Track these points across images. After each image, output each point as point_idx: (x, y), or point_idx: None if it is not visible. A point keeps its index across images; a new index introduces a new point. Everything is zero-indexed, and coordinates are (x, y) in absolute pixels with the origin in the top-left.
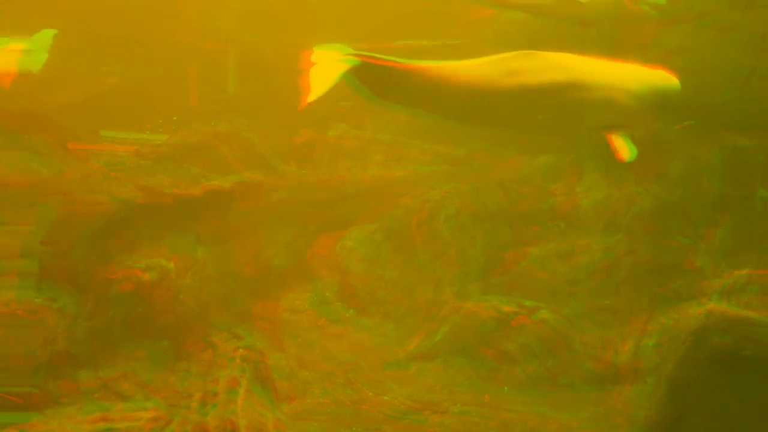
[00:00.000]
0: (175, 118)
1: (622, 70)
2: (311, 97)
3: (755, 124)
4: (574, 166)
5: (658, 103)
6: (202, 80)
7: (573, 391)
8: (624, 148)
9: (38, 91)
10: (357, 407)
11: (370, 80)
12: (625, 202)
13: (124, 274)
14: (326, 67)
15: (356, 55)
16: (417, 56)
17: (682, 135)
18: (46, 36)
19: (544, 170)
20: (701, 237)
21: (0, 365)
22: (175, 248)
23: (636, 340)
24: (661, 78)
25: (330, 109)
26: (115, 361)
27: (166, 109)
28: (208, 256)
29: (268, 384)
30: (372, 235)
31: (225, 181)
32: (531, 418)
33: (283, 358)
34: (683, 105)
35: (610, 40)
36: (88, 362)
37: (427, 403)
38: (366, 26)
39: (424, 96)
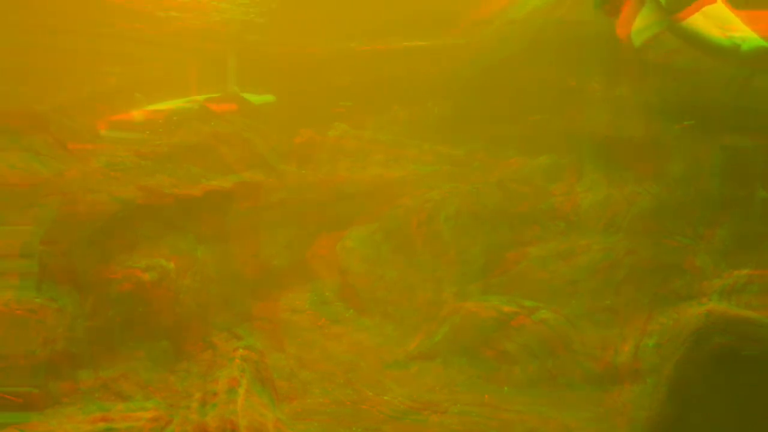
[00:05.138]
0: (174, 118)
1: None
2: None
3: (755, 124)
4: (574, 166)
5: None
6: (202, 80)
7: (573, 391)
8: None
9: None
10: (357, 407)
11: None
12: (625, 202)
13: (124, 274)
14: None
15: None
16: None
17: (682, 135)
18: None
19: (544, 170)
20: (701, 237)
21: (0, 365)
22: (175, 248)
23: (636, 340)
24: None
25: (330, 109)
26: (115, 361)
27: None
28: (208, 256)
29: (268, 384)
30: (372, 235)
31: (225, 181)
32: (531, 418)
33: (283, 358)
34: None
35: (610, 40)
36: (88, 362)
37: (427, 403)
38: (366, 26)
39: None
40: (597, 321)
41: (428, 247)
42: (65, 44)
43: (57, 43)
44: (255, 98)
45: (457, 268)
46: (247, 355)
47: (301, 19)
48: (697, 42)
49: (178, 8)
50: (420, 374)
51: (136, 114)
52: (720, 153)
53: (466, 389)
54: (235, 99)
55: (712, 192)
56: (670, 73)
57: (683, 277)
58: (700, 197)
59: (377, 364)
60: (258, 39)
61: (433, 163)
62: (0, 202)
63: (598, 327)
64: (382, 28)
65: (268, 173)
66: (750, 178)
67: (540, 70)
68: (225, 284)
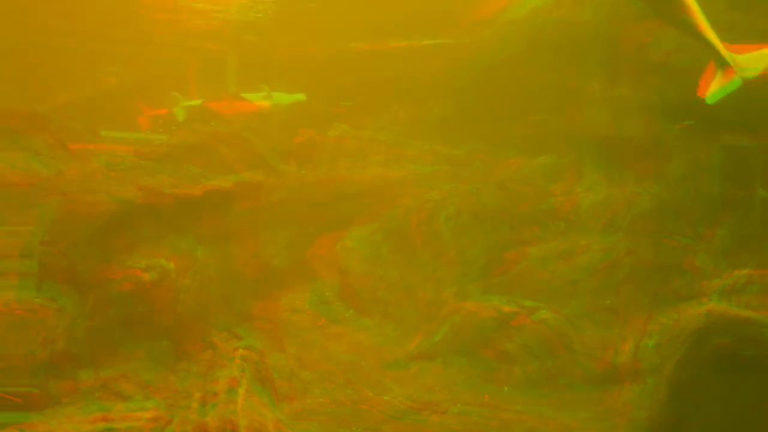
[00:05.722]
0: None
1: None
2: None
3: (755, 124)
4: (574, 166)
5: None
6: (202, 80)
7: (573, 391)
8: None
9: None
10: (357, 407)
11: None
12: (625, 202)
13: (124, 274)
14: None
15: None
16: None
17: (682, 135)
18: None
19: (544, 170)
20: (701, 237)
21: (0, 365)
22: (175, 248)
23: (636, 340)
24: None
25: (330, 109)
26: (115, 361)
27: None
28: (208, 256)
29: (268, 384)
30: (372, 235)
31: (225, 181)
32: (531, 418)
33: (283, 358)
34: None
35: (609, 40)
36: (88, 362)
37: (427, 403)
38: (366, 26)
39: None
40: (597, 321)
41: (428, 247)
42: (65, 44)
43: (57, 43)
44: (286, 97)
45: (457, 268)
46: (247, 355)
47: (301, 19)
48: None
49: (179, 9)
50: (420, 374)
51: (178, 111)
52: (720, 153)
53: (466, 389)
54: (269, 98)
55: (712, 192)
56: (670, 73)
57: (683, 277)
58: (700, 197)
59: (377, 364)
60: (258, 39)
61: (433, 163)
62: (0, 202)
63: (598, 327)
64: (382, 28)
65: (268, 173)
66: (750, 178)
67: (540, 70)
68: (225, 284)
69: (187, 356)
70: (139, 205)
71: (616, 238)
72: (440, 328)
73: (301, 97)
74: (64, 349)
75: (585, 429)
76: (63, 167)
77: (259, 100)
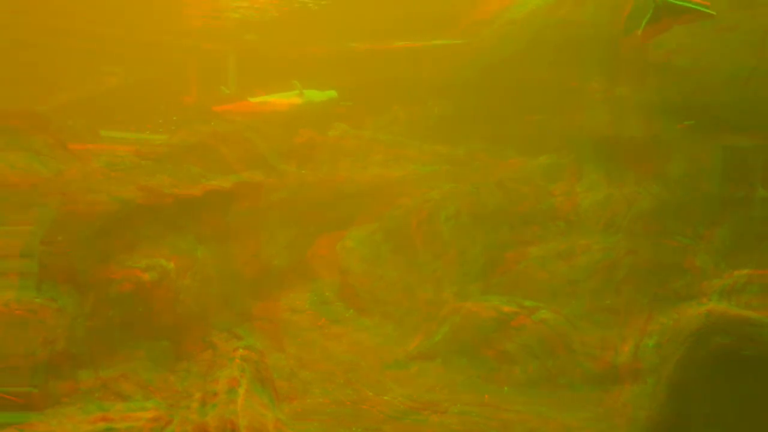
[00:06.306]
0: (175, 118)
1: None
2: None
3: (755, 124)
4: (574, 166)
5: None
6: (202, 80)
7: (573, 391)
8: None
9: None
10: (357, 407)
11: None
12: (625, 202)
13: (124, 274)
14: None
15: None
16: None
17: (682, 135)
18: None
19: (544, 170)
20: (701, 237)
21: (0, 365)
22: (175, 248)
23: (636, 340)
24: None
25: (330, 109)
26: (115, 361)
27: (166, 109)
28: (208, 256)
29: (268, 384)
30: (372, 235)
31: (225, 181)
32: (531, 418)
33: (283, 358)
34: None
35: (609, 40)
36: (88, 362)
37: (427, 403)
38: (366, 26)
39: None
40: (597, 321)
41: (428, 247)
42: (65, 44)
43: (57, 43)
44: (319, 94)
45: (457, 268)
46: (247, 355)
47: (301, 19)
48: None
49: (179, 8)
50: (420, 374)
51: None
52: (720, 153)
53: (466, 389)
54: (302, 96)
55: (712, 192)
56: (670, 73)
57: (683, 277)
58: (700, 197)
59: (377, 364)
60: (258, 39)
61: (433, 163)
62: (0, 202)
63: (598, 327)
64: (382, 28)
65: (268, 173)
66: (750, 178)
67: (540, 70)
68: (225, 284)
69: (187, 356)
70: (139, 205)
71: (616, 238)
72: (440, 328)
73: (332, 94)
74: (64, 349)
75: (585, 429)
76: (63, 167)
77: (292, 98)
